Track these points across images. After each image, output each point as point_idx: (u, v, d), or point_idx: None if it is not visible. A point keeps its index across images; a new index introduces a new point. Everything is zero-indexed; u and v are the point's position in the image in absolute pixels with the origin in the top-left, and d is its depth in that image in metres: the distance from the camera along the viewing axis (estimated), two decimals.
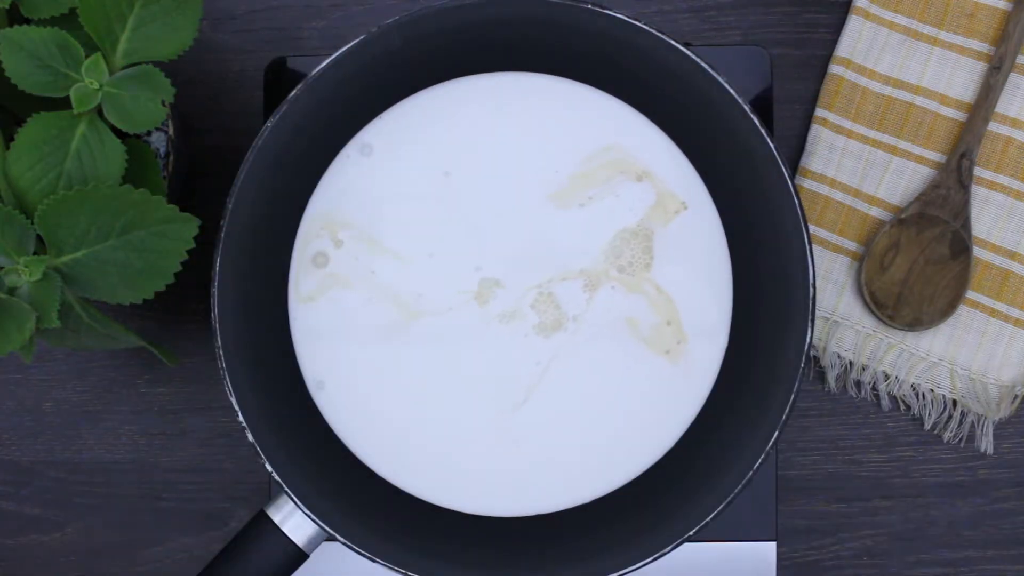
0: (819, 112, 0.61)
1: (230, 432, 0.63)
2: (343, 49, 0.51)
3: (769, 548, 0.59)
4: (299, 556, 0.52)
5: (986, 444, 0.60)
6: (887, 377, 0.60)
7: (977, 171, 0.59)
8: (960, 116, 0.60)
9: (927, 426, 0.61)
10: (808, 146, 0.61)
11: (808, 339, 0.50)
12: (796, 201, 0.51)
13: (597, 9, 0.51)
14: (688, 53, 0.51)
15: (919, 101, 0.60)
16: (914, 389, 0.60)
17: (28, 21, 0.50)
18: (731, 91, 0.51)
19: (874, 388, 0.61)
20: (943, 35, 0.60)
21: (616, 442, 0.54)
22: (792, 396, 0.50)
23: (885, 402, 0.61)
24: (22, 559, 0.63)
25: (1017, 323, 0.59)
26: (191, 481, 0.63)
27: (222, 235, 0.51)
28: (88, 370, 0.63)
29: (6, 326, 0.48)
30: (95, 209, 0.48)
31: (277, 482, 0.51)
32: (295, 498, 0.51)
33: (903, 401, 0.61)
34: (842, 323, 0.60)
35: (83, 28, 0.49)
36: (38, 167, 0.49)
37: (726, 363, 0.54)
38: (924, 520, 0.61)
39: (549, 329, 0.54)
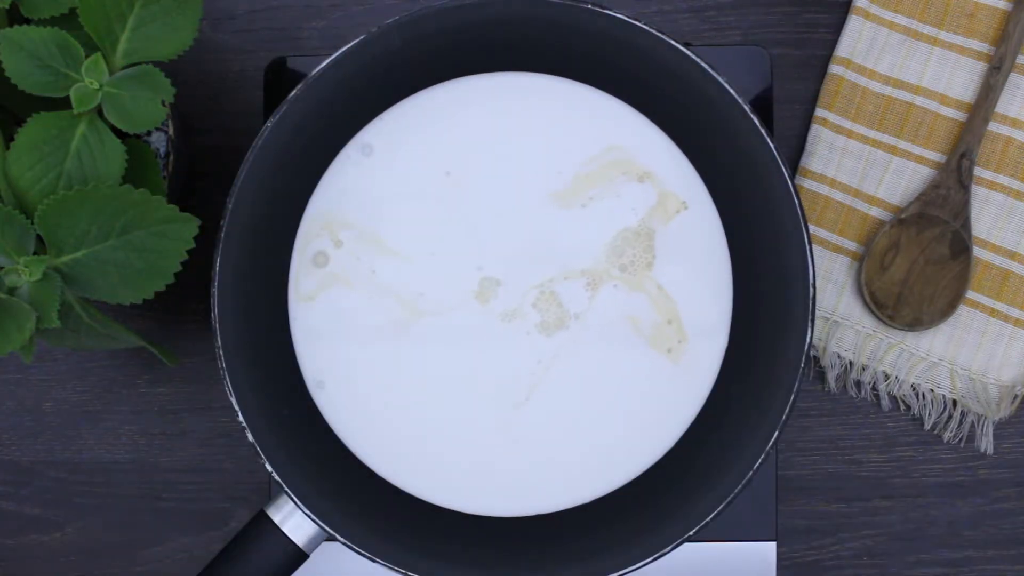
0: (819, 112, 0.61)
1: (230, 432, 0.63)
2: (343, 49, 0.51)
3: (769, 548, 0.59)
4: (299, 556, 0.52)
5: (986, 444, 0.60)
6: (887, 377, 0.60)
7: (977, 171, 0.59)
8: (960, 116, 0.60)
9: (927, 426, 0.61)
10: (808, 146, 0.61)
11: (808, 339, 0.50)
12: (796, 201, 0.51)
13: (597, 9, 0.51)
14: (688, 53, 0.51)
15: (919, 101, 0.60)
16: (914, 389, 0.60)
17: (28, 21, 0.50)
18: (731, 91, 0.51)
19: (874, 388, 0.61)
20: (943, 35, 0.60)
21: (616, 442, 0.54)
22: (792, 396, 0.50)
23: (885, 402, 0.61)
24: (22, 559, 0.63)
25: (1017, 323, 0.59)
26: (191, 481, 0.63)
27: (222, 235, 0.51)
28: (88, 370, 0.63)
29: (6, 326, 0.48)
30: (95, 209, 0.48)
31: (277, 482, 0.51)
32: (295, 498, 0.51)
33: (903, 401, 0.61)
34: (842, 323, 0.60)
35: (83, 28, 0.49)
36: (38, 167, 0.49)
37: (726, 363, 0.54)
38: (924, 520, 0.61)
39: (551, 327, 0.54)
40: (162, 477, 0.63)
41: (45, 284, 0.48)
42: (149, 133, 0.56)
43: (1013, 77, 0.59)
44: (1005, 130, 0.59)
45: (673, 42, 0.51)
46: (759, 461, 0.50)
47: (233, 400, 0.51)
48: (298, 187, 0.54)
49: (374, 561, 0.51)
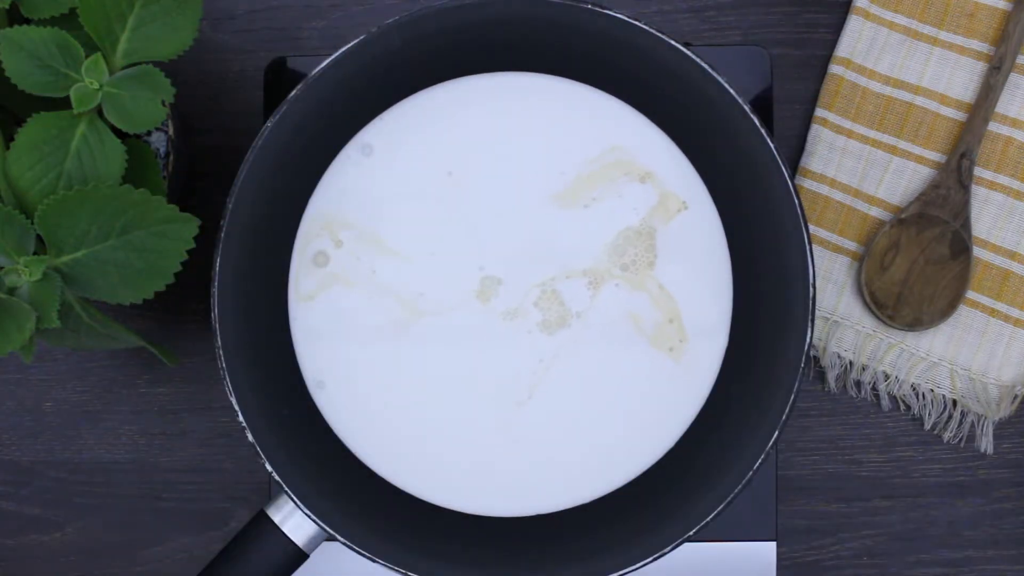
0: (819, 112, 0.61)
1: (230, 432, 0.63)
2: (343, 49, 0.51)
3: (769, 548, 0.59)
4: (299, 556, 0.52)
5: (986, 444, 0.60)
6: (887, 377, 0.60)
7: (977, 171, 0.59)
8: (960, 116, 0.60)
9: (927, 426, 0.61)
10: (808, 146, 0.61)
11: (808, 339, 0.50)
12: (796, 201, 0.51)
13: (597, 9, 0.51)
14: (688, 53, 0.51)
15: (919, 101, 0.60)
16: (914, 389, 0.60)
17: (28, 21, 0.50)
18: (731, 91, 0.51)
19: (874, 388, 0.61)
20: (943, 35, 0.60)
21: (616, 442, 0.54)
22: (792, 396, 0.50)
23: (885, 402, 0.61)
24: (22, 559, 0.63)
25: (1017, 323, 0.59)
26: (191, 481, 0.63)
27: (222, 235, 0.51)
28: (88, 370, 0.63)
29: (6, 326, 0.48)
30: (95, 209, 0.48)
31: (277, 482, 0.51)
32: (295, 498, 0.51)
33: (903, 401, 0.61)
34: (842, 323, 0.60)
35: (83, 28, 0.49)
36: (38, 167, 0.49)
37: (726, 363, 0.54)
38: (924, 520, 0.61)
39: (553, 326, 0.54)
40: (162, 477, 0.63)
41: (45, 284, 0.48)
42: (149, 133, 0.56)
43: (1013, 77, 0.59)
44: (1005, 130, 0.59)
45: (673, 42, 0.51)
46: (759, 461, 0.50)
47: (233, 400, 0.51)
48: (298, 187, 0.54)
49: (374, 561, 0.51)
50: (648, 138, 0.55)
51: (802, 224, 0.51)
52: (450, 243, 0.55)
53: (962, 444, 0.61)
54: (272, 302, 0.54)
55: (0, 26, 0.50)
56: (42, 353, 0.63)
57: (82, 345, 0.54)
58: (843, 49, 0.61)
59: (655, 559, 0.50)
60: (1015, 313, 0.59)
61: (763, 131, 0.51)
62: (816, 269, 0.57)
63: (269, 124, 0.51)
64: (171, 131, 0.56)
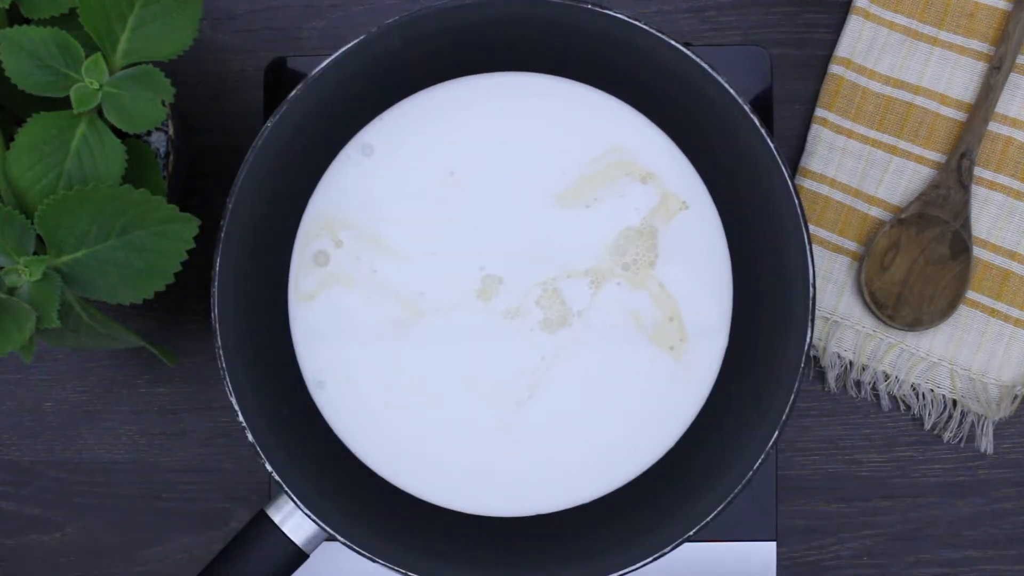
0: (819, 112, 0.61)
1: (230, 432, 0.63)
2: (343, 49, 0.51)
3: (769, 548, 0.59)
4: (299, 556, 0.52)
5: (986, 444, 0.60)
6: (887, 377, 0.60)
7: (977, 171, 0.59)
8: (960, 116, 0.60)
9: (927, 426, 0.61)
10: (808, 146, 0.61)
11: (808, 339, 0.50)
12: (796, 201, 0.51)
13: (597, 9, 0.51)
14: (688, 53, 0.51)
15: (919, 101, 0.60)
16: (914, 389, 0.60)
17: (28, 21, 0.50)
18: (731, 91, 0.51)
19: (874, 388, 0.61)
20: (943, 35, 0.60)
21: (616, 442, 0.54)
22: (792, 396, 0.50)
23: (885, 402, 0.61)
24: (22, 559, 0.63)
25: (1017, 323, 0.59)
26: (191, 481, 0.63)
27: (222, 235, 0.51)
28: (88, 370, 0.63)
29: (6, 326, 0.48)
30: (95, 209, 0.48)
31: (277, 482, 0.51)
32: (295, 498, 0.51)
33: (903, 401, 0.61)
34: (842, 323, 0.60)
35: (83, 28, 0.49)
36: (38, 167, 0.49)
37: (726, 363, 0.54)
38: (924, 520, 0.61)
39: (554, 325, 0.54)
40: (162, 477, 0.63)
41: (45, 284, 0.48)
42: (149, 133, 0.56)
43: (1013, 77, 0.59)
44: (1005, 130, 0.59)
45: (673, 42, 0.51)
46: (759, 461, 0.50)
47: (233, 400, 0.51)
48: (298, 187, 0.54)
49: (374, 561, 0.51)
50: (648, 138, 0.55)
51: (802, 224, 0.51)
52: (451, 243, 0.55)
53: (962, 444, 0.61)
54: (272, 302, 0.54)
55: (0, 26, 0.50)
56: (42, 353, 0.63)
57: (82, 345, 0.54)
58: (843, 49, 0.61)
59: (655, 559, 0.50)
60: (1015, 313, 0.59)
61: (763, 131, 0.51)
62: (816, 269, 0.57)
63: (269, 124, 0.51)
64: (171, 131, 0.56)
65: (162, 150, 0.56)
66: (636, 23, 0.51)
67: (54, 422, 0.63)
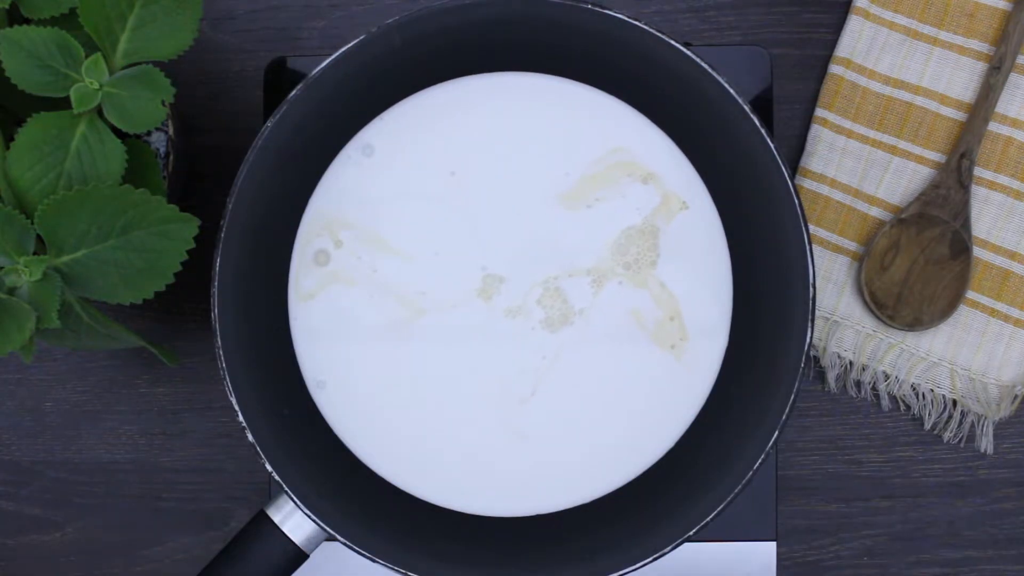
0: (819, 112, 0.61)
1: (230, 432, 0.63)
2: (343, 49, 0.51)
3: (769, 548, 0.59)
4: (299, 556, 0.52)
5: (986, 444, 0.60)
6: (887, 377, 0.60)
7: (977, 171, 0.59)
8: (960, 116, 0.60)
9: (927, 426, 0.61)
10: (808, 146, 0.61)
11: (808, 339, 0.50)
12: (796, 201, 0.51)
13: (597, 9, 0.51)
14: (688, 53, 0.51)
15: (919, 101, 0.60)
16: (914, 389, 0.60)
17: (28, 21, 0.50)
18: (731, 91, 0.51)
19: (874, 388, 0.61)
20: (943, 35, 0.60)
21: (617, 442, 0.54)
22: (792, 396, 0.50)
23: (885, 402, 0.61)
24: (22, 559, 0.63)
25: (1017, 323, 0.59)
26: (191, 481, 0.63)
27: (222, 235, 0.51)
28: (88, 370, 0.63)
29: (6, 326, 0.48)
30: (95, 209, 0.48)
31: (277, 482, 0.51)
32: (295, 498, 0.51)
33: (903, 401, 0.61)
34: (842, 323, 0.60)
35: (83, 28, 0.49)
36: (38, 167, 0.49)
37: (726, 362, 0.54)
38: (924, 520, 0.61)
39: (556, 323, 0.54)
40: (162, 477, 0.63)
41: (45, 284, 0.48)
42: (149, 133, 0.56)
43: (1013, 77, 0.59)
44: (1005, 130, 0.59)
45: (673, 42, 0.51)
46: (759, 461, 0.50)
47: (233, 400, 0.51)
48: (298, 187, 0.54)
49: (374, 561, 0.51)
50: (649, 138, 0.55)
51: (802, 224, 0.51)
52: (452, 242, 0.55)
53: (962, 444, 0.61)
54: (272, 302, 0.54)
55: (0, 26, 0.50)
56: (42, 353, 0.63)
57: (82, 345, 0.54)
58: (843, 49, 0.61)
59: (655, 559, 0.50)
60: (1015, 313, 0.59)
61: (763, 131, 0.51)
62: (816, 269, 0.57)
63: (269, 124, 0.51)
64: (171, 131, 0.56)
65: (162, 150, 0.56)
66: (636, 23, 0.51)
67: (54, 422, 0.63)
